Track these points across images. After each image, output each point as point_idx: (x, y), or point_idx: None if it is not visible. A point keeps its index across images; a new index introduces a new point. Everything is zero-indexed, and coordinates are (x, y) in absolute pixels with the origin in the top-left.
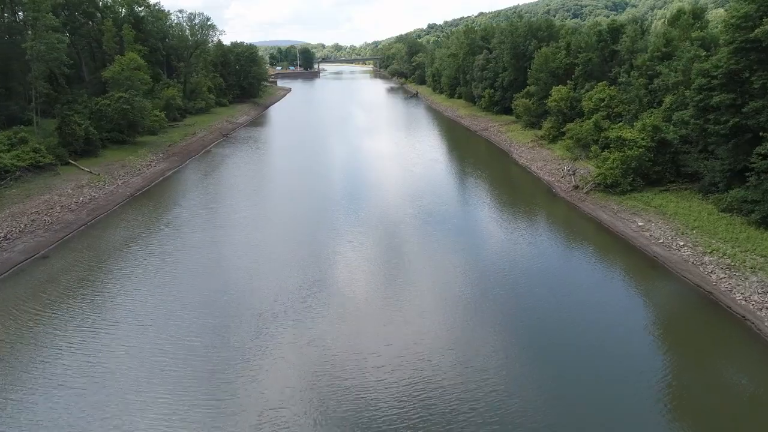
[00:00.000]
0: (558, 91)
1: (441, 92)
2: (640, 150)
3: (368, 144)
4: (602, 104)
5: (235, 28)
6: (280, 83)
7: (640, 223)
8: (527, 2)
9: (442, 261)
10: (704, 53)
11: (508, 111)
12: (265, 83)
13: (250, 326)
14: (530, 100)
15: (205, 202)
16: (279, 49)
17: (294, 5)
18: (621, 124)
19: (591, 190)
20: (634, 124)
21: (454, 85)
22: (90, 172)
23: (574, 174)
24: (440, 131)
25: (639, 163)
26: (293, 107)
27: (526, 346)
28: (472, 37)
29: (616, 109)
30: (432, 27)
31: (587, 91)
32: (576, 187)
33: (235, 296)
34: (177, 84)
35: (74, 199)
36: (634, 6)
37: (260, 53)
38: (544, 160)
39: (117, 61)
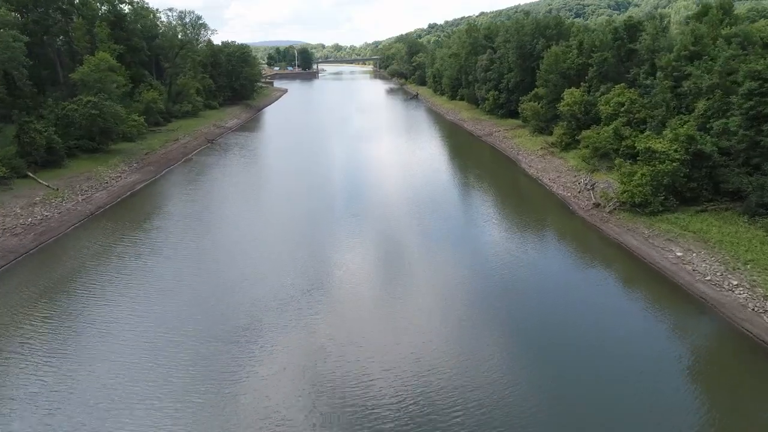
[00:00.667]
0: (571, 94)
1: (442, 94)
2: (674, 164)
3: (365, 151)
4: (622, 109)
5: (235, 28)
6: (277, 84)
7: (678, 253)
8: (529, 2)
9: (444, 295)
10: (741, 52)
11: (513, 114)
12: (261, 84)
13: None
14: (539, 104)
15: (173, 223)
16: (277, 49)
17: (294, 5)
18: (648, 133)
19: (615, 209)
20: (664, 132)
21: (455, 86)
22: (48, 186)
23: (593, 188)
24: (442, 136)
25: (672, 180)
26: (288, 109)
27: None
28: (475, 36)
29: (637, 115)
30: (433, 27)
31: (603, 94)
32: (597, 205)
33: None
34: (162, 86)
35: (21, 220)
36: (636, 5)
37: (259, 53)
38: (557, 170)
39: (86, 62)
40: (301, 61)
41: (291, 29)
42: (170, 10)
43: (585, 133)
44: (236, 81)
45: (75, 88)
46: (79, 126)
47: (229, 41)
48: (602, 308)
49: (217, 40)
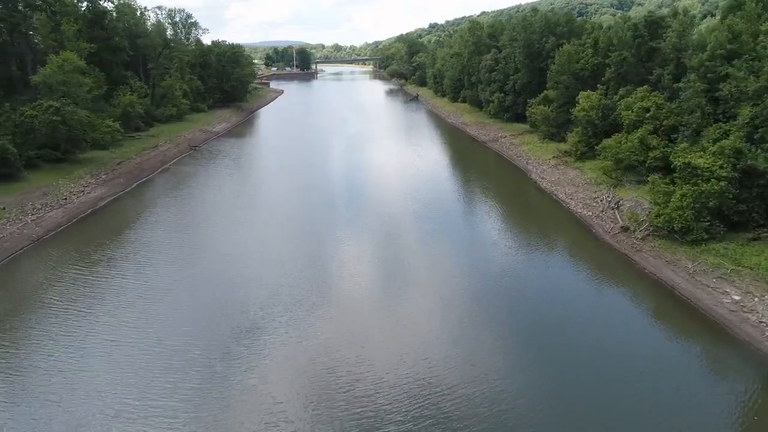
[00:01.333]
0: (587, 98)
1: (443, 95)
2: (721, 183)
3: (360, 160)
4: (647, 115)
5: (236, 28)
6: (274, 85)
7: (735, 296)
8: (530, 1)
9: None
10: None
11: (520, 118)
12: (256, 85)
13: None
14: (549, 107)
15: (131, 255)
16: (275, 49)
17: (294, 5)
18: (683, 144)
19: (648, 234)
20: (704, 144)
21: (457, 87)
22: None
23: (617, 207)
24: (443, 142)
25: (719, 202)
26: (282, 112)
27: None
28: (478, 35)
29: (666, 122)
30: (433, 26)
31: (622, 97)
32: (625, 229)
33: None
34: (145, 88)
35: None
36: (640, 5)
37: (258, 54)
38: (574, 184)
39: (49, 62)
40: (299, 62)
41: (291, 29)
42: (159, 8)
43: (606, 142)
44: (227, 82)
45: (38, 92)
46: (40, 134)
47: (220, 40)
48: (653, 375)
49: (212, 40)
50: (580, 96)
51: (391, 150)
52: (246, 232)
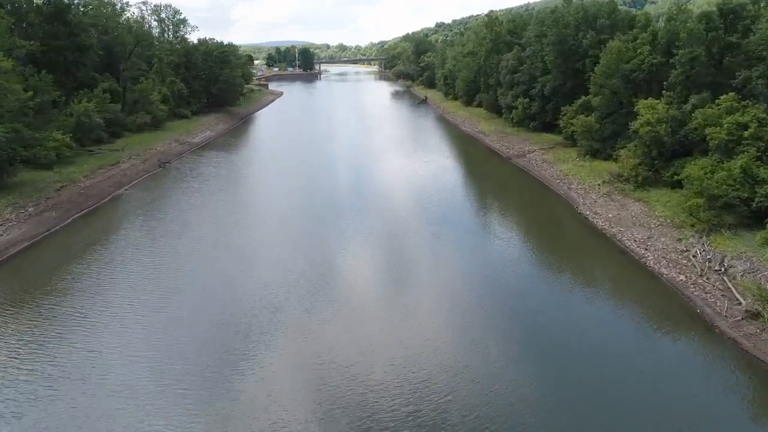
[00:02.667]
0: (650, 108)
1: (455, 98)
2: None
3: (359, 181)
4: (745, 134)
5: (241, 28)
6: (274, 86)
7: None
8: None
9: None
10: None
11: (549, 128)
12: (253, 87)
13: None
14: (592, 117)
15: (28, 343)
16: (277, 49)
17: (298, 6)
18: None
19: None
20: None
21: (471, 90)
22: None
23: (724, 271)
24: (459, 157)
25: None
26: (277, 118)
27: None
28: (497, 31)
29: None
30: (440, 26)
31: (696, 107)
32: (752, 315)
33: None
34: (120, 92)
35: None
36: (653, 2)
37: (262, 54)
38: (642, 224)
39: None
40: (302, 62)
41: (295, 29)
42: (144, 2)
43: (689, 169)
44: (214, 85)
45: None
46: None
47: (207, 38)
48: None
49: (199, 38)
50: (639, 105)
51: (398, 167)
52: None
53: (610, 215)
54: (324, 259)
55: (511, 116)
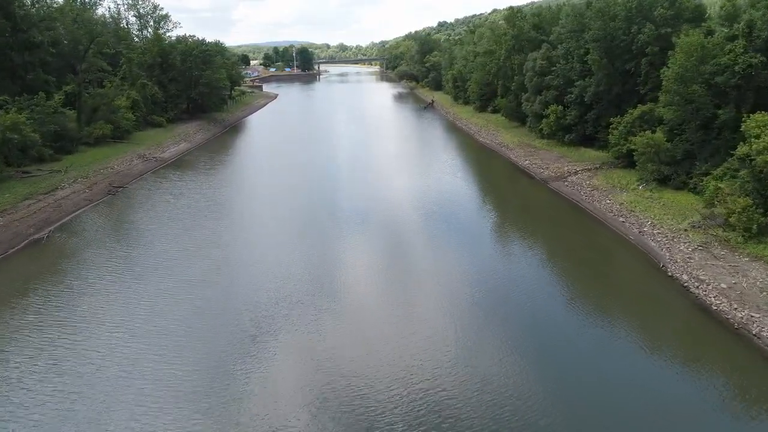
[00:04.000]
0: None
1: (466, 102)
2: None
3: (355, 214)
4: None
5: (243, 29)
6: (269, 88)
7: None
8: None
9: None
10: None
11: (589, 141)
12: (245, 89)
13: None
14: (660, 133)
15: None
16: (275, 49)
17: (300, 6)
18: None
19: None
20: None
21: (486, 94)
22: None
23: None
24: (480, 177)
25: None
26: (267, 125)
27: None
28: (520, 26)
29: None
30: (442, 25)
31: None
32: None
33: None
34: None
35: None
36: None
37: (262, 53)
38: None
39: None
40: (300, 62)
41: (297, 30)
42: None
43: None
44: (194, 88)
45: None
46: None
47: (187, 35)
48: None
49: (178, 35)
50: (750, 122)
51: (407, 195)
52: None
53: (722, 284)
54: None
55: (539, 126)
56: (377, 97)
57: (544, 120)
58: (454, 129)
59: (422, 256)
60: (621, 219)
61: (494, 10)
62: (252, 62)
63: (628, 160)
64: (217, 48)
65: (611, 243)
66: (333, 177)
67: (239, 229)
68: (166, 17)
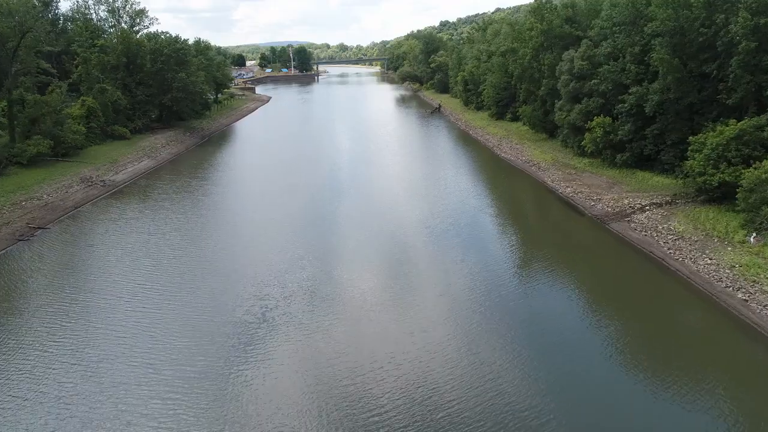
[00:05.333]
0: None
1: (478, 108)
2: None
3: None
4: None
5: (243, 29)
6: (262, 90)
7: None
8: None
9: None
10: None
11: (646, 163)
12: (236, 91)
13: None
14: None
15: None
16: (272, 48)
17: (301, 7)
18: None
19: None
20: None
21: (504, 100)
22: None
23: None
24: (510, 211)
25: None
26: (251, 136)
27: None
28: (550, 20)
29: None
30: (444, 24)
31: None
32: None
33: None
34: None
35: None
36: None
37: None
38: None
39: None
40: (298, 62)
41: (298, 30)
42: None
43: None
44: (166, 94)
45: None
46: None
47: (160, 32)
48: None
49: (149, 31)
50: None
51: (418, 231)
52: None
53: None
54: None
55: (577, 141)
56: (378, 102)
57: (587, 134)
58: (467, 140)
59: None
60: (741, 295)
61: (498, 9)
62: (250, 63)
63: (716, 193)
64: (199, 47)
65: (733, 340)
66: (328, 211)
67: (206, 309)
68: (142, 12)
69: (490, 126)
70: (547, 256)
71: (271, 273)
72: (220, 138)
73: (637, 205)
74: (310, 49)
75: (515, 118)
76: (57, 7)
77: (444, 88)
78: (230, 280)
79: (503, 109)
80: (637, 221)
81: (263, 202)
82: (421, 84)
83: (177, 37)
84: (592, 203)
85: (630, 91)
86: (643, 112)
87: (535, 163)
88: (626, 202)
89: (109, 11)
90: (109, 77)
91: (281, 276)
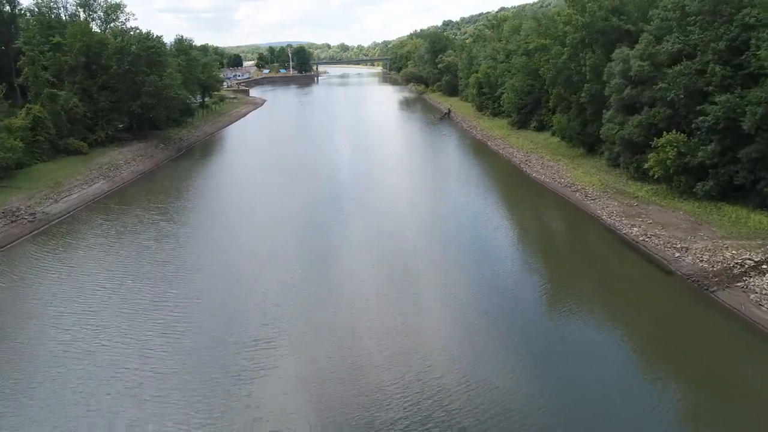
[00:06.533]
0: None
1: (495, 114)
2: None
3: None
4: None
5: (245, 30)
6: (258, 92)
7: None
8: None
9: None
10: None
11: (740, 196)
12: (227, 93)
13: None
14: None
15: None
16: (271, 48)
17: (303, 7)
18: None
19: None
20: None
21: (528, 106)
22: None
23: None
24: (554, 263)
25: None
26: (234, 147)
27: None
28: (593, 10)
29: None
30: (447, 24)
31: None
32: None
33: None
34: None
35: None
36: None
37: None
38: None
39: None
40: (297, 63)
41: (300, 31)
42: None
43: None
44: (134, 99)
45: None
46: None
47: (127, 28)
48: None
49: (112, 27)
50: None
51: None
52: None
53: None
54: None
55: (636, 162)
56: (381, 105)
57: (652, 155)
58: (486, 153)
59: None
60: None
61: (501, 8)
62: (249, 63)
63: None
64: (181, 46)
65: None
66: (323, 253)
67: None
68: (118, 7)
69: (511, 136)
70: (650, 364)
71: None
72: (200, 150)
73: (747, 261)
74: (311, 49)
75: (541, 127)
76: (17, 2)
77: (452, 91)
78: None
79: (526, 116)
80: (757, 288)
81: (248, 238)
82: (427, 86)
83: (148, 34)
84: (677, 254)
85: (714, 100)
86: (734, 129)
87: (580, 188)
88: (728, 254)
89: (79, 4)
90: (68, 80)
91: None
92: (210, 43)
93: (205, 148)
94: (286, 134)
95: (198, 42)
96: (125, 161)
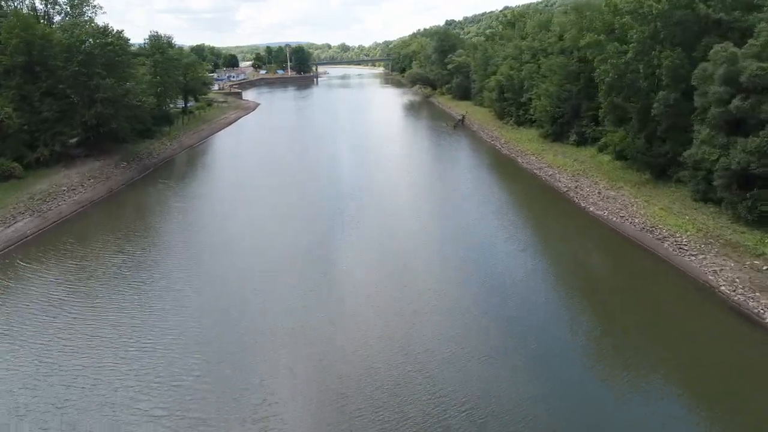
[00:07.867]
0: None
1: (519, 123)
2: None
3: None
4: None
5: (246, 30)
6: (252, 95)
7: None
8: None
9: None
10: None
11: None
12: (216, 96)
13: None
14: None
15: None
16: (268, 48)
17: (304, 8)
18: None
19: None
20: None
21: (566, 116)
22: None
23: None
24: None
25: None
26: (217, 162)
27: None
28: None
29: None
30: (450, 23)
31: None
32: None
33: None
34: None
35: None
36: None
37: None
38: None
39: None
40: (295, 63)
41: (300, 31)
42: None
43: None
44: (89, 107)
45: None
46: None
47: (85, 20)
48: None
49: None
50: None
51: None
52: None
53: None
54: None
55: (750, 202)
56: (384, 111)
57: None
58: (517, 174)
59: None
60: None
61: (505, 8)
62: (246, 63)
63: None
64: (158, 43)
65: None
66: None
67: None
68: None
69: (546, 152)
70: None
71: None
72: (174, 165)
73: None
74: (311, 50)
75: (582, 141)
76: None
77: (464, 94)
78: None
79: (562, 127)
80: None
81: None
82: (434, 88)
83: (106, 28)
84: None
85: None
86: None
87: (666, 235)
88: None
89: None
90: (4, 84)
91: None
92: (210, 44)
93: (179, 163)
94: (273, 143)
95: (198, 42)
96: (70, 186)
